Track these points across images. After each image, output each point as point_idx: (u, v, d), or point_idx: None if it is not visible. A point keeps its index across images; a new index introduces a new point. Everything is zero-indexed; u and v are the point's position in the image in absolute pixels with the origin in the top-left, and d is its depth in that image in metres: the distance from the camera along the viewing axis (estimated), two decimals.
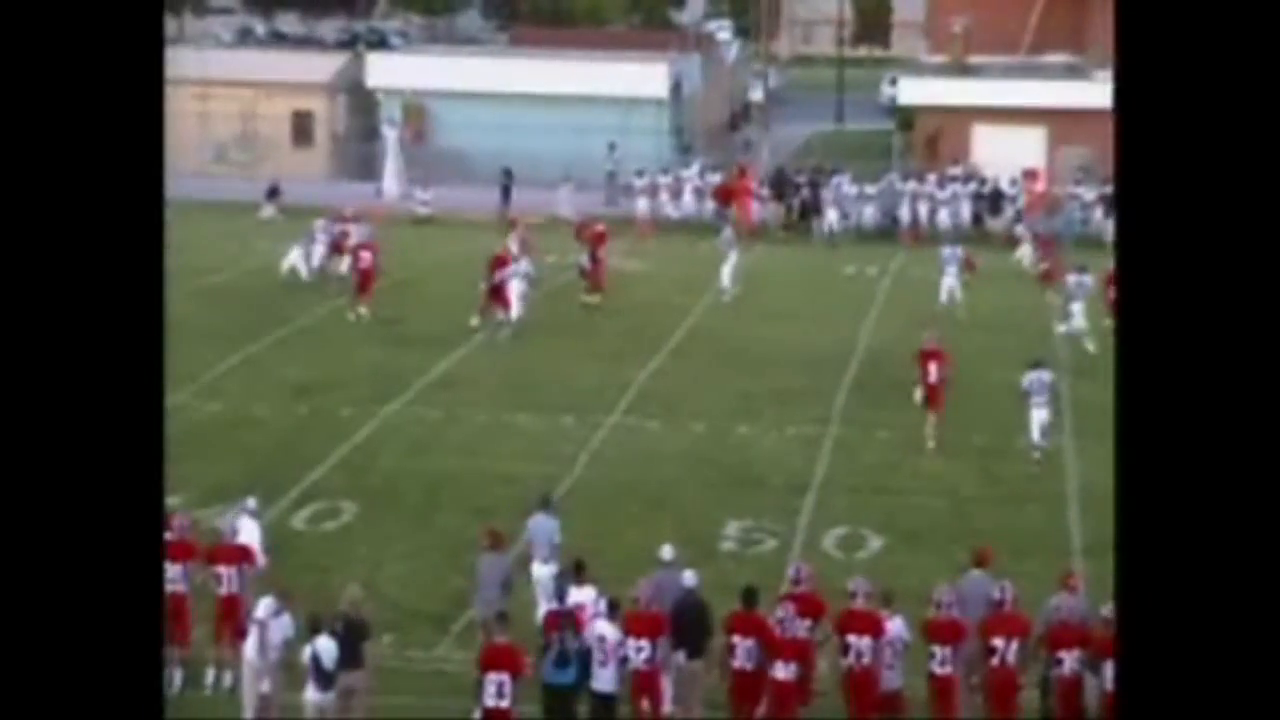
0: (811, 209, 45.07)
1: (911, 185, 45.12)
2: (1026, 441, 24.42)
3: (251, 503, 17.91)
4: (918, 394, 25.21)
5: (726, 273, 35.40)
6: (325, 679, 14.57)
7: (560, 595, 15.78)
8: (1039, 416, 24.40)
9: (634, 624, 15.07)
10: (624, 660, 15.02)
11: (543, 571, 17.12)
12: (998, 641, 14.83)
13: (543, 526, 17.70)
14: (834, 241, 42.84)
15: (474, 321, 31.78)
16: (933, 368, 25.22)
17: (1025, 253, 39.44)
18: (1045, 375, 24.74)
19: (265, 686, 15.07)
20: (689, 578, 15.70)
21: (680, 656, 15.21)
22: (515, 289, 31.37)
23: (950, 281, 30.94)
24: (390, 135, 50.59)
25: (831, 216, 43.66)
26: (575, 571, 16.06)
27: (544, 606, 16.36)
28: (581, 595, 15.72)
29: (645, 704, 15.06)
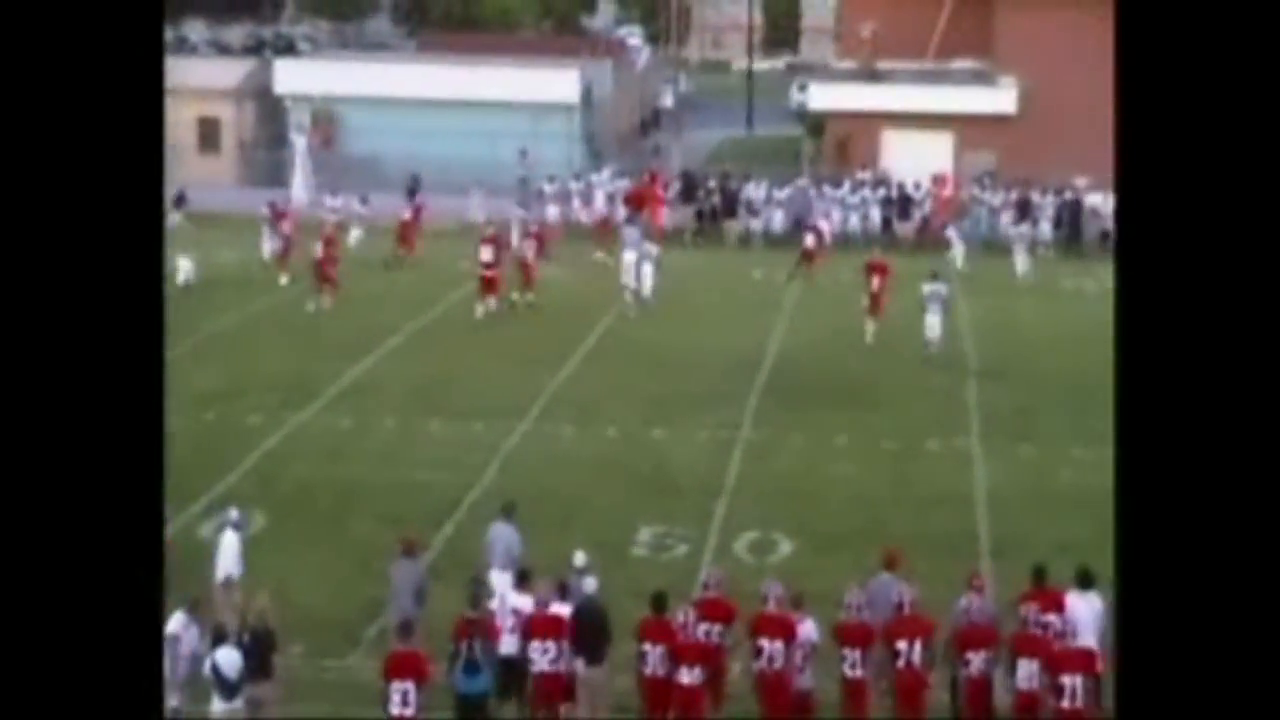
0: (722, 214, 45.27)
1: (822, 190, 45.44)
2: (921, 341, 30.18)
3: (234, 514, 17.76)
4: (864, 300, 31.61)
5: (625, 272, 35.54)
6: (229, 689, 14.43)
7: (474, 602, 15.67)
8: (932, 321, 30.21)
9: (537, 626, 15.12)
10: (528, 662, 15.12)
11: (501, 579, 16.95)
12: (901, 644, 14.93)
13: (502, 534, 17.63)
14: (848, 248, 42.51)
15: (480, 309, 33.26)
16: (875, 279, 31.55)
17: (958, 253, 39.87)
18: (941, 287, 30.73)
19: (174, 701, 14.90)
20: (589, 584, 15.71)
21: (580, 664, 15.20)
22: (646, 270, 34.68)
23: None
24: (299, 142, 50.26)
25: (825, 226, 42.81)
26: (519, 580, 15.98)
27: (502, 613, 16.19)
28: (521, 602, 15.65)
29: (544, 708, 15.10)
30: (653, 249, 36.03)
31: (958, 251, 39.99)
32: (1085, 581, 15.77)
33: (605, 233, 41.80)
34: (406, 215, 40.66)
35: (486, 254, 33.59)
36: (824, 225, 42.07)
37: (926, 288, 30.66)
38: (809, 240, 38.95)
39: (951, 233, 41.21)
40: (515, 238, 38.02)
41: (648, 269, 35.26)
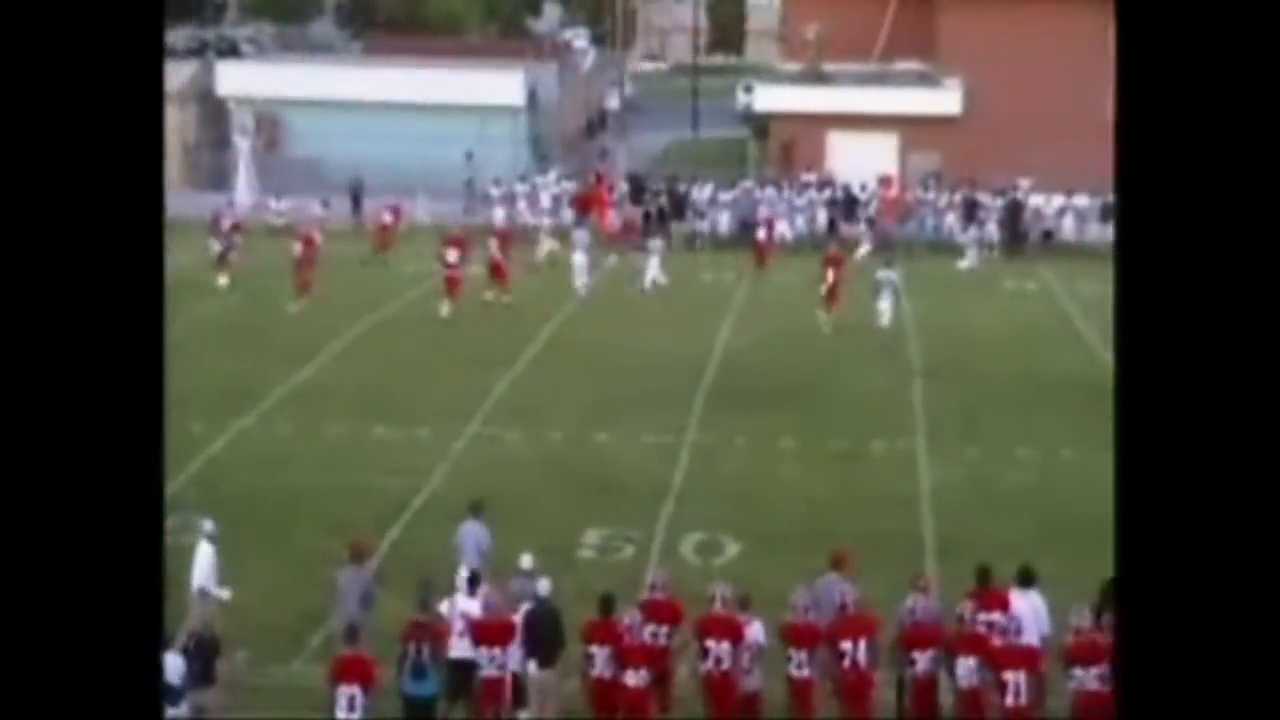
0: (670, 216, 45.31)
1: (768, 192, 45.55)
2: (875, 324, 32.22)
3: (209, 525, 17.53)
4: (822, 289, 33.09)
5: (577, 273, 36.21)
6: (172, 695, 14.32)
7: (424, 606, 15.62)
8: (884, 305, 32.34)
9: (483, 631, 15.10)
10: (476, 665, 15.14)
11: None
12: (845, 644, 14.98)
13: (472, 533, 17.60)
14: (794, 250, 42.32)
15: (444, 309, 33.56)
16: (831, 272, 33.13)
17: (863, 253, 40.23)
18: (892, 274, 33.01)
19: None
20: (543, 586, 15.70)
21: (532, 666, 15.21)
22: (653, 263, 36.54)
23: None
24: (243, 145, 49.97)
25: (781, 225, 43.43)
26: (469, 584, 15.94)
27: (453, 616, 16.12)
28: (471, 606, 15.62)
29: (491, 711, 15.12)
30: (658, 244, 37.63)
31: (863, 251, 40.36)
32: (1026, 580, 15.87)
33: (630, 235, 42.06)
34: (387, 219, 41.00)
35: (451, 255, 34.09)
36: (780, 224, 42.59)
37: (880, 274, 32.96)
38: (761, 234, 39.79)
39: (860, 230, 41.78)
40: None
41: (654, 262, 36.62)
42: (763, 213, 43.25)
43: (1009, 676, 14.42)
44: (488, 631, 15.18)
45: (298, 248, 35.17)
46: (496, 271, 35.15)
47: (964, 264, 40.34)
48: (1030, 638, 15.03)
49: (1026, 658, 14.59)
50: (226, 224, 38.21)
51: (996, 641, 14.84)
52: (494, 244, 35.59)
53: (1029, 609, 15.41)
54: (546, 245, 40.06)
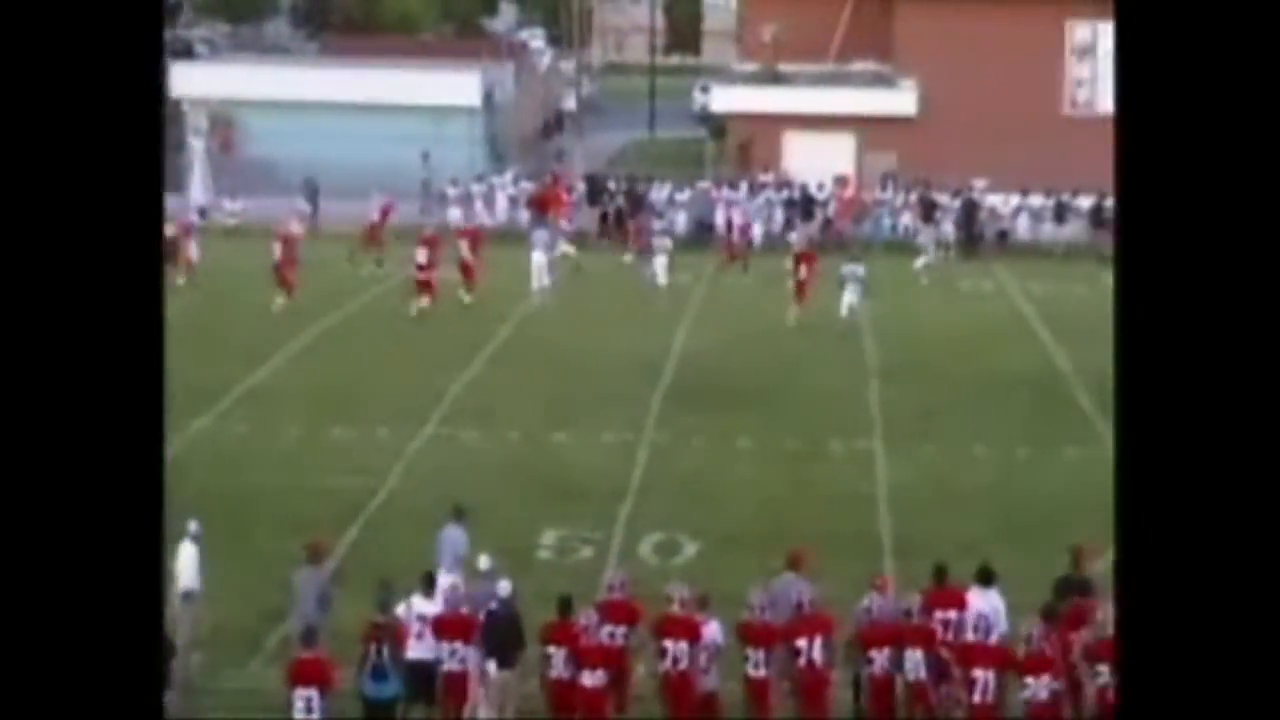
0: (627, 216, 45.29)
1: (725, 192, 45.59)
2: (838, 315, 32.83)
3: (193, 525, 17.33)
4: (790, 284, 33.59)
5: (535, 273, 36.16)
6: None
7: (383, 607, 15.56)
8: (849, 298, 33.01)
9: (444, 627, 15.08)
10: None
11: (446, 580, 16.71)
12: (801, 643, 14.99)
13: (451, 537, 17.55)
14: (751, 250, 42.52)
15: (415, 308, 33.67)
16: (803, 268, 33.64)
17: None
18: (859, 268, 33.71)
19: None
20: (504, 587, 15.66)
21: (491, 666, 15.19)
22: (660, 261, 36.88)
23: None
24: (197, 146, 49.73)
25: (756, 227, 43.58)
26: (425, 586, 15.87)
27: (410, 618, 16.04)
28: (427, 608, 15.57)
29: (452, 707, 15.13)
30: (666, 243, 37.93)
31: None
32: (986, 579, 15.93)
33: (639, 234, 42.08)
34: (375, 217, 40.95)
35: (422, 256, 34.17)
36: (755, 227, 42.79)
37: (845, 268, 33.63)
38: (735, 237, 40.56)
39: (795, 237, 42.13)
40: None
41: (662, 260, 36.93)
42: (723, 214, 43.43)
43: (978, 674, 14.43)
44: (449, 627, 15.14)
45: (277, 248, 34.94)
46: (467, 272, 35.11)
47: (920, 263, 40.52)
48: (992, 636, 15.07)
49: (996, 656, 14.61)
50: (171, 229, 37.88)
51: (970, 637, 14.84)
52: (464, 245, 35.65)
53: (988, 608, 15.46)
54: (562, 248, 39.75)
